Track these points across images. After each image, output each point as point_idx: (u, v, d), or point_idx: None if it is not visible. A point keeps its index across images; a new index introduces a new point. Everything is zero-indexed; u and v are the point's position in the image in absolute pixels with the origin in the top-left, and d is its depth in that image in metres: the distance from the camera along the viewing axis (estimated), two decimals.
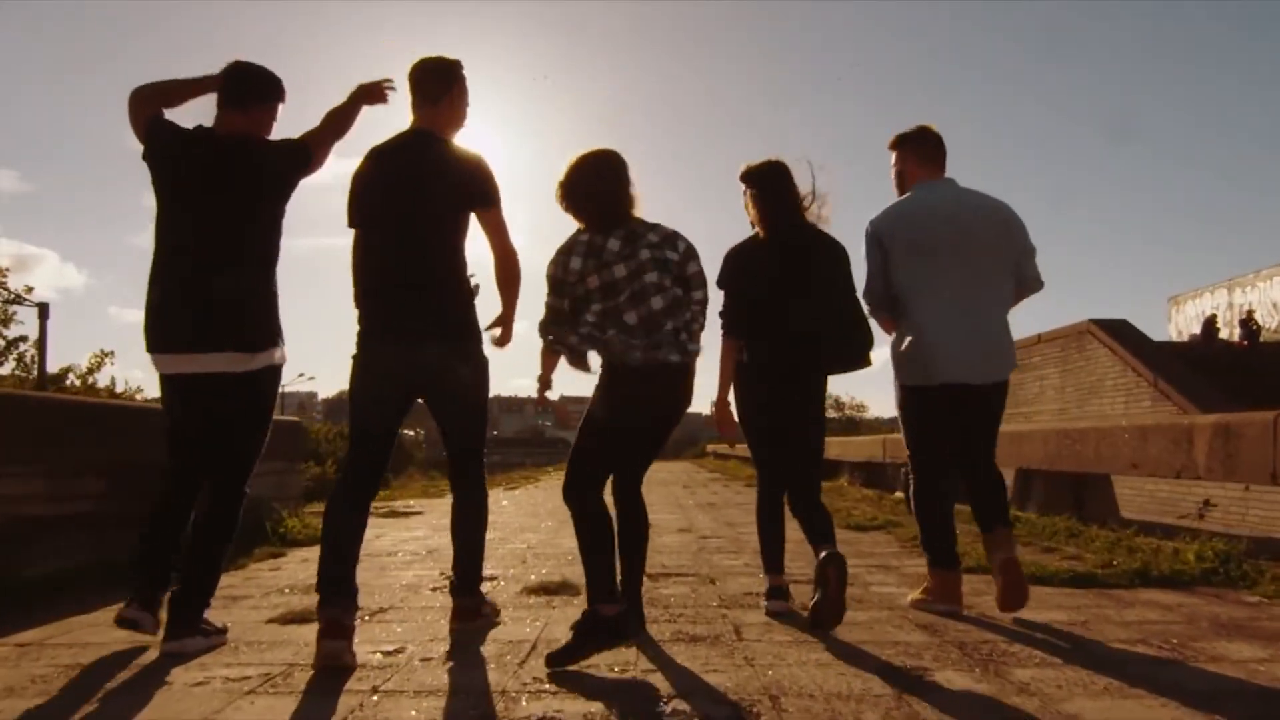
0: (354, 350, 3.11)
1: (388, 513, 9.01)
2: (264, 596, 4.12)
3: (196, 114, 3.21)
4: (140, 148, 3.13)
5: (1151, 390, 16.50)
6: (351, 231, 3.17)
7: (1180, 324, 24.39)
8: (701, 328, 3.21)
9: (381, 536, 6.72)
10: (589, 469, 3.14)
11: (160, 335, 3.06)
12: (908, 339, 3.54)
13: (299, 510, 6.99)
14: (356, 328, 3.11)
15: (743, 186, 3.63)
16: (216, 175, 3.03)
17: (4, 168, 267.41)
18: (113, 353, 26.23)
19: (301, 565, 5.21)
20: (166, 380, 3.11)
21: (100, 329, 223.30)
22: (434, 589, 4.29)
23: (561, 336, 3.12)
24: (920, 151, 3.63)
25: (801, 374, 3.54)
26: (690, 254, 3.17)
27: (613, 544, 3.09)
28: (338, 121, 3.26)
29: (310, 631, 3.02)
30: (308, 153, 3.17)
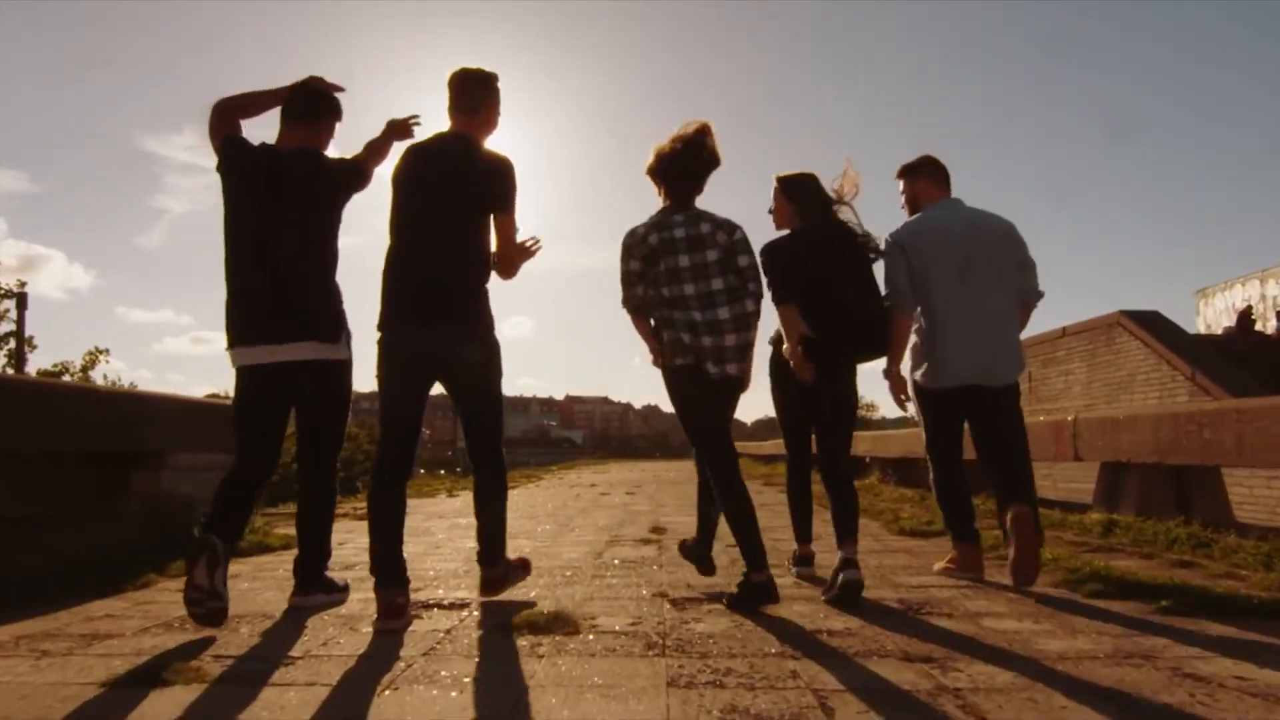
0: (377, 339, 3.20)
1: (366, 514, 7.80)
2: (136, 635, 2.88)
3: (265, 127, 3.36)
4: (214, 158, 3.30)
5: (1189, 384, 15.24)
6: (378, 229, 3.27)
7: (1209, 317, 23.03)
8: (757, 315, 3.45)
9: (344, 544, 5.48)
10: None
11: (242, 329, 3.21)
12: (925, 345, 3.77)
13: None
14: (380, 314, 3.18)
15: (774, 191, 3.81)
16: (278, 187, 3.19)
17: (13, 169, 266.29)
18: (107, 350, 25.23)
19: (230, 583, 3.97)
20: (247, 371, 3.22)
21: (107, 329, 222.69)
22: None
23: (634, 295, 3.45)
24: (935, 176, 3.92)
25: (833, 359, 3.62)
26: (744, 242, 3.46)
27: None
28: (377, 153, 3.47)
29: (159, 698, 2.15)
30: (361, 172, 3.39)
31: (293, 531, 6.00)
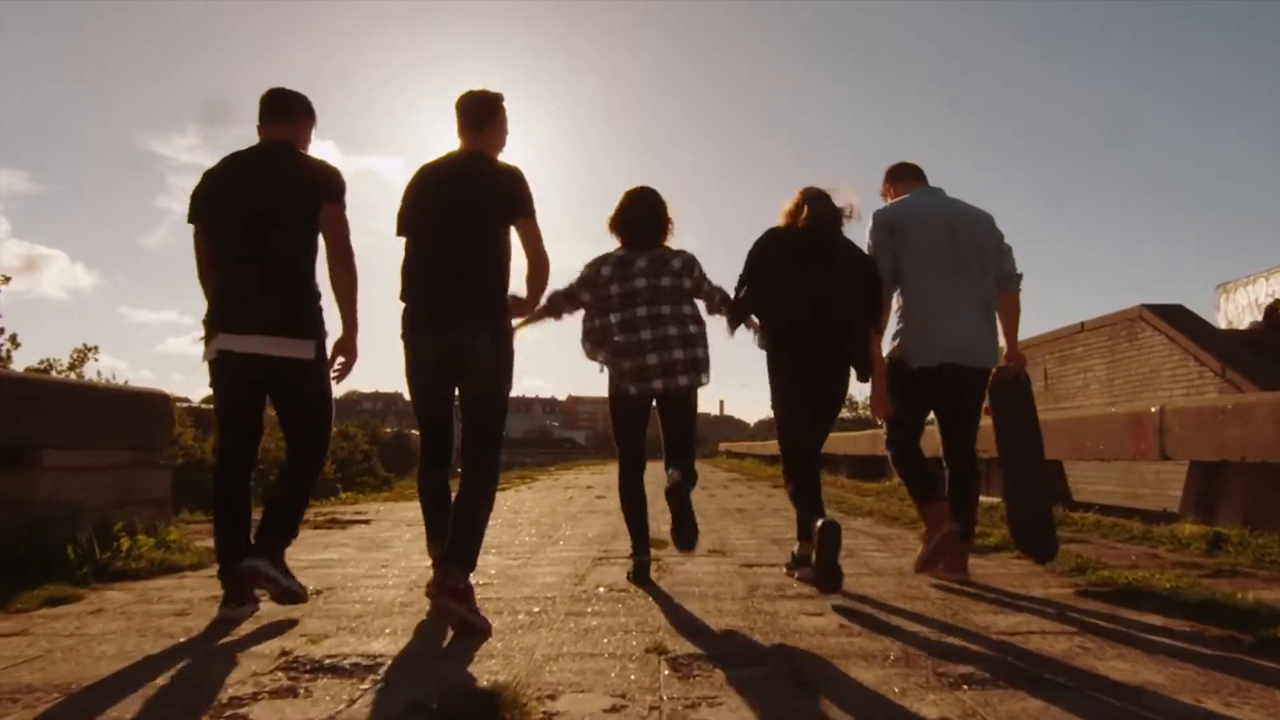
0: (401, 342, 3.14)
1: (328, 520, 6.77)
2: None
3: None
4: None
5: (1218, 381, 14.24)
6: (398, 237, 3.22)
7: (1230, 313, 21.92)
8: (722, 305, 3.72)
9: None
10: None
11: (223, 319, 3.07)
12: (909, 323, 3.72)
13: (162, 522, 4.67)
14: (400, 321, 3.14)
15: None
16: (254, 177, 3.13)
17: (16, 169, 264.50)
18: (96, 348, 24.19)
19: (82, 622, 2.92)
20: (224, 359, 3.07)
21: (110, 329, 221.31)
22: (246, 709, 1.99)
23: (560, 306, 3.68)
24: (912, 173, 3.97)
25: (825, 359, 3.55)
26: (702, 276, 3.70)
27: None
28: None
29: None
30: (339, 198, 3.17)
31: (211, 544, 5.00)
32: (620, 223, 3.71)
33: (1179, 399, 12.95)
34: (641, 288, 3.54)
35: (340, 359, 3.15)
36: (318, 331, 3.10)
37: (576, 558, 4.50)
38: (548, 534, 5.78)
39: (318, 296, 3.13)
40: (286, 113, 3.24)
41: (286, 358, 2.99)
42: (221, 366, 3.03)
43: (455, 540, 2.85)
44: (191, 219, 3.19)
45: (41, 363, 23.04)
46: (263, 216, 3.04)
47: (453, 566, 2.79)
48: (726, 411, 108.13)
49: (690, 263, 3.64)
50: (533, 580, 3.77)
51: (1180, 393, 15.32)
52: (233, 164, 3.17)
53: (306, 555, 4.61)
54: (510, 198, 3.11)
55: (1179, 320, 15.79)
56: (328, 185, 3.12)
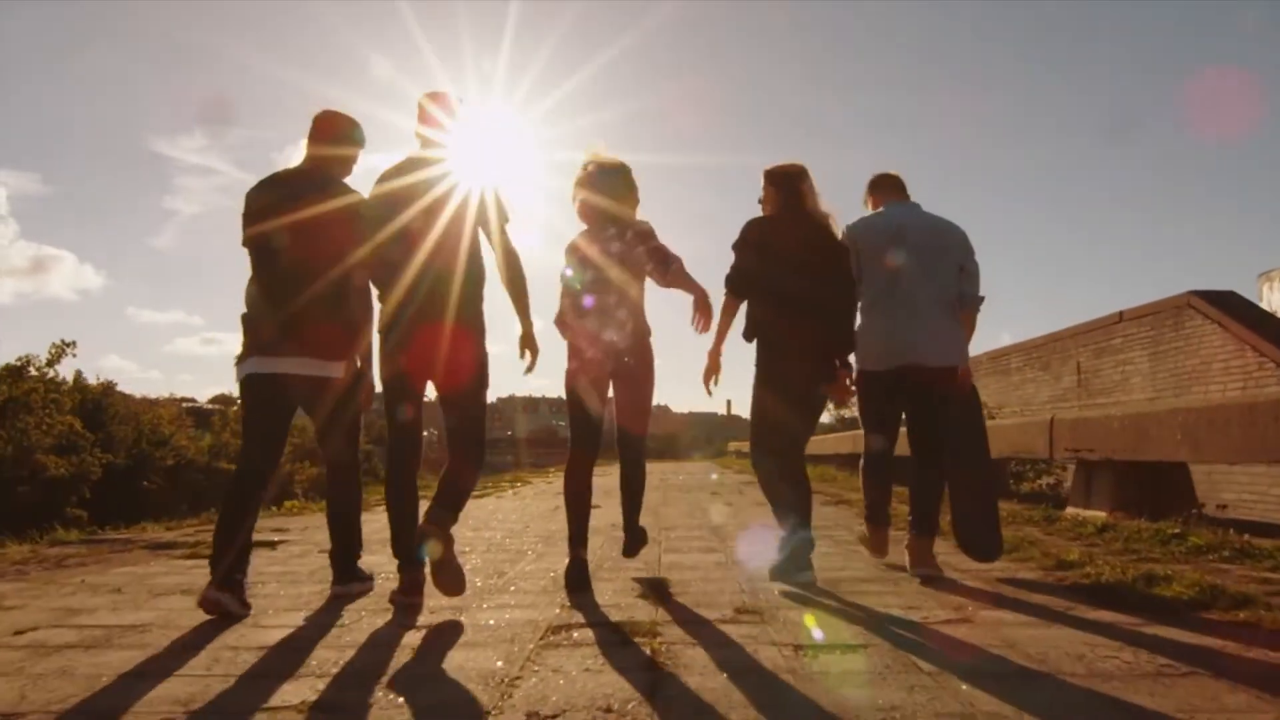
0: (377, 343, 3.22)
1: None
2: None
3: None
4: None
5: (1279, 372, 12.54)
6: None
7: (1274, 302, 20.15)
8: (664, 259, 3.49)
9: (83, 617, 2.70)
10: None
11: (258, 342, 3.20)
12: (872, 329, 3.73)
13: None
14: (380, 323, 3.19)
15: (763, 182, 3.72)
16: (293, 200, 3.17)
17: (25, 170, 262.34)
18: (74, 343, 22.78)
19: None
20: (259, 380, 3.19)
21: (118, 330, 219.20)
22: None
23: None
24: (884, 186, 3.96)
25: (810, 348, 3.50)
26: (643, 235, 3.48)
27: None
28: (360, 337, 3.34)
29: None
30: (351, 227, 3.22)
31: None
32: (582, 199, 3.68)
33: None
34: (594, 257, 3.57)
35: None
36: (347, 354, 3.17)
37: (522, 624, 2.76)
38: (500, 570, 4.05)
39: (354, 324, 3.18)
40: (330, 137, 3.30)
41: (318, 377, 3.09)
42: (251, 386, 3.10)
43: (444, 495, 3.03)
44: (245, 242, 3.18)
45: (19, 359, 21.68)
46: (307, 247, 3.08)
47: (443, 515, 2.98)
48: (733, 411, 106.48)
49: (643, 233, 3.54)
50: (418, 694, 2.03)
51: (1235, 386, 13.63)
52: (278, 186, 3.20)
53: (126, 616, 2.88)
54: (494, 207, 3.18)
55: (1233, 307, 14.09)
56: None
